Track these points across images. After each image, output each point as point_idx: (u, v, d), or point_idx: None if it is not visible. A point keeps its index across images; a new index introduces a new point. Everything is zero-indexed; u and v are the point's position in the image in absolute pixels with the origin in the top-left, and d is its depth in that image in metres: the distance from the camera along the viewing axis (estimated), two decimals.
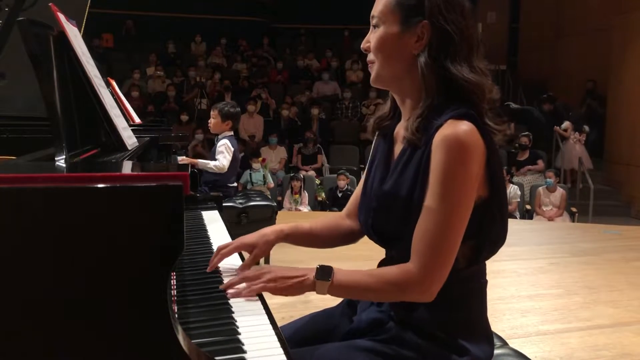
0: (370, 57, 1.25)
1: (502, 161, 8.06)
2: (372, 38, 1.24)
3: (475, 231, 1.15)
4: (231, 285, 1.18)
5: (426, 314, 1.19)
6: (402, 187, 1.18)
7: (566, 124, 9.02)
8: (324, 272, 1.14)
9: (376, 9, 1.23)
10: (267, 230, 1.38)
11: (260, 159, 7.63)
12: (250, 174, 7.65)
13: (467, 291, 1.22)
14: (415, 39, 1.18)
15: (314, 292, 1.16)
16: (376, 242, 1.30)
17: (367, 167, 1.39)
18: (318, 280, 1.14)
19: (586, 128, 9.02)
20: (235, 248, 1.35)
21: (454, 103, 1.15)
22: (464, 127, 1.11)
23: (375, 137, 1.39)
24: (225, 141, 4.26)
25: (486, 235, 1.18)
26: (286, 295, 1.16)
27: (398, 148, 1.26)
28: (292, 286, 1.15)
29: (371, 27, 1.25)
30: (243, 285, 1.16)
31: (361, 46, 1.28)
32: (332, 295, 1.16)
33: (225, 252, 1.33)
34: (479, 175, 1.13)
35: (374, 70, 1.25)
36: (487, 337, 1.26)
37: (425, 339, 1.18)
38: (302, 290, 1.15)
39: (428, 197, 1.12)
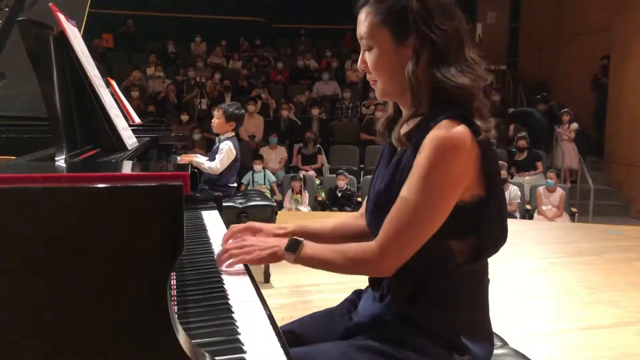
0: (371, 77, 1.27)
1: (503, 160, 8.13)
2: (368, 59, 1.25)
3: (473, 229, 1.17)
4: (217, 259, 1.31)
5: (427, 310, 1.20)
6: (394, 187, 1.21)
7: (574, 124, 9.00)
8: (293, 245, 1.25)
9: (363, 30, 1.24)
10: (277, 225, 1.48)
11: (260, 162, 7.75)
12: (252, 174, 7.71)
13: (468, 289, 1.23)
14: (411, 52, 1.20)
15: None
16: None
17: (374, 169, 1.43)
18: (286, 252, 1.25)
19: (575, 125, 9.00)
20: (246, 228, 1.45)
21: (448, 108, 1.16)
22: (456, 128, 1.13)
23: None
24: (229, 143, 4.23)
25: (486, 233, 1.19)
26: (262, 263, 1.27)
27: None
28: (266, 257, 1.27)
29: (362, 48, 1.26)
30: (226, 256, 1.29)
31: (358, 67, 1.30)
32: (300, 264, 1.26)
33: (236, 229, 1.44)
34: (471, 176, 1.15)
35: (378, 87, 1.27)
36: (488, 336, 1.26)
37: (426, 337, 1.18)
38: (275, 259, 1.27)
39: (404, 186, 1.16)
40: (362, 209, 1.48)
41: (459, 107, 1.16)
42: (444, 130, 1.12)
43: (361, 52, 1.27)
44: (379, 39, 1.21)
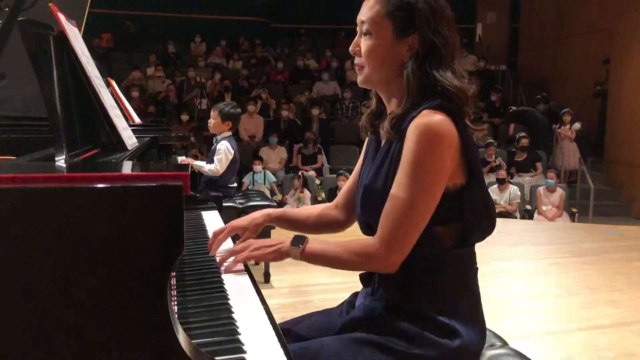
0: (359, 60, 1.30)
1: (504, 160, 8.13)
2: (363, 44, 1.28)
3: (455, 217, 1.21)
4: (222, 261, 1.32)
5: (417, 296, 1.23)
6: (379, 180, 1.25)
7: (576, 124, 8.99)
8: (298, 240, 1.27)
9: (365, 15, 1.27)
10: (256, 214, 1.51)
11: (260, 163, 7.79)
12: (253, 174, 7.72)
13: (456, 273, 1.26)
14: (406, 48, 1.24)
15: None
16: (367, 234, 1.33)
17: (359, 162, 1.45)
18: (292, 247, 1.26)
19: (577, 125, 9.00)
20: (229, 232, 1.48)
21: (430, 99, 1.20)
22: (437, 117, 1.17)
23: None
24: (226, 143, 4.21)
25: (470, 220, 1.22)
26: (267, 260, 1.34)
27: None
28: (271, 253, 1.29)
29: (359, 31, 1.29)
30: (232, 258, 1.31)
31: (350, 49, 1.32)
32: (305, 261, 1.27)
33: (221, 237, 1.46)
34: (453, 164, 1.19)
35: (363, 73, 1.30)
36: (479, 324, 1.27)
37: (417, 325, 1.20)
38: (281, 256, 1.28)
39: (397, 178, 1.19)
40: (337, 200, 1.53)
41: (444, 100, 1.20)
42: (425, 118, 1.17)
43: (357, 36, 1.30)
44: (380, 29, 1.25)
